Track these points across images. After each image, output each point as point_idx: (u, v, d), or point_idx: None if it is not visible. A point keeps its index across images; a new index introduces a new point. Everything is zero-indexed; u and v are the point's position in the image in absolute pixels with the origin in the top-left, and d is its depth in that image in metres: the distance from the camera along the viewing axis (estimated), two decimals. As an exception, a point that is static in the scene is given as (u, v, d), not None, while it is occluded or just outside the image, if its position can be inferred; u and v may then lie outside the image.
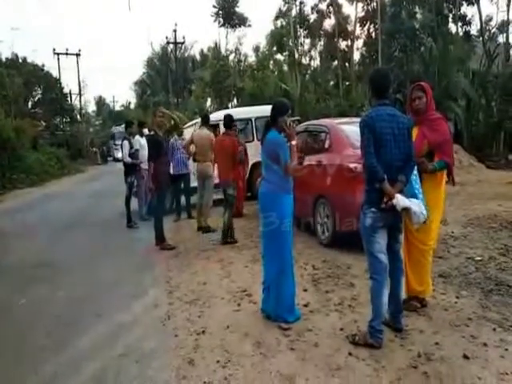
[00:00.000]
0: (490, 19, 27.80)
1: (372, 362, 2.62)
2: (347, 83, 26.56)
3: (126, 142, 7.47)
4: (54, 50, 36.87)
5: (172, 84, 35.01)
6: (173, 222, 7.63)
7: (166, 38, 34.83)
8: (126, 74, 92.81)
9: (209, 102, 33.73)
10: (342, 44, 29.75)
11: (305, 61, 31.58)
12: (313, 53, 33.02)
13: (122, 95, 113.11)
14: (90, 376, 2.81)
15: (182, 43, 36.68)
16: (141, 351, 3.02)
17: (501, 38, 26.52)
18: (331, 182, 5.20)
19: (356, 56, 28.90)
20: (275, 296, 3.32)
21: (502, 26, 26.53)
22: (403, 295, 3.06)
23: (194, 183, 7.50)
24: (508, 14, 24.41)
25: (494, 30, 27.02)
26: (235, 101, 29.20)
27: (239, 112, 10.55)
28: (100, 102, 64.08)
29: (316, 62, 33.05)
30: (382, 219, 2.80)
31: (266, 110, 9.41)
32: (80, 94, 41.17)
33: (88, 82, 73.78)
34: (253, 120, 9.77)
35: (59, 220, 8.73)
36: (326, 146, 5.67)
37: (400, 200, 2.71)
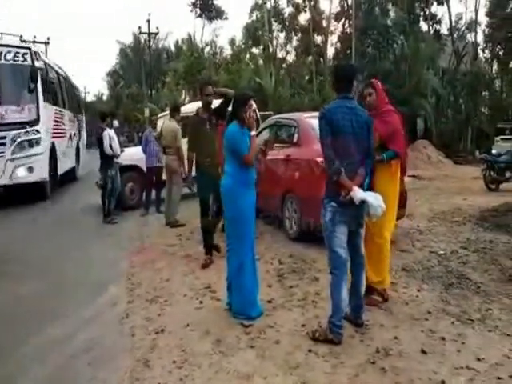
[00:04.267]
0: (460, 18, 28.55)
1: (331, 359, 2.58)
2: (321, 78, 26.71)
3: (106, 133, 7.18)
4: (21, 37, 35.24)
5: (145, 75, 34.21)
6: (140, 217, 7.42)
7: (139, 28, 33.94)
8: (98, 64, 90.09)
9: (183, 95, 33.22)
10: (317, 39, 29.89)
11: (280, 55, 31.57)
12: (288, 47, 33.07)
13: (94, 86, 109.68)
14: (39, 379, 2.66)
15: (156, 34, 35.86)
16: (94, 352, 2.88)
17: (469, 37, 27.28)
18: (299, 177, 5.16)
19: (330, 52, 29.13)
20: (236, 291, 3.25)
21: (471, 25, 27.32)
22: (364, 290, 3.04)
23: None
24: (476, 14, 25.18)
25: (463, 28, 27.77)
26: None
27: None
28: (71, 93, 62.01)
29: (291, 57, 33.11)
30: (342, 213, 2.76)
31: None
32: (48, 84, 39.77)
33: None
34: None
35: (25, 215, 8.34)
36: (295, 140, 5.62)
37: (357, 192, 2.68)
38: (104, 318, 3.45)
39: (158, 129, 7.49)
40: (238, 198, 3.22)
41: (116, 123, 7.76)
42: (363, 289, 2.97)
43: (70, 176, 12.39)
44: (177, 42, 40.87)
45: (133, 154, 8.28)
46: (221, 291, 3.70)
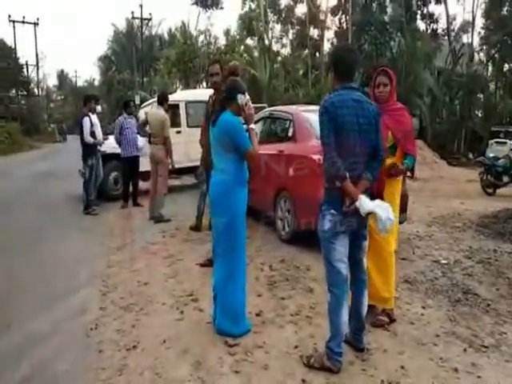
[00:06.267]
0: (454, 19, 28.34)
1: (329, 392, 2.22)
2: (317, 72, 26.29)
3: (86, 119, 6.68)
4: (10, 16, 34.33)
5: (137, 62, 33.34)
6: (120, 209, 6.97)
7: (132, 13, 33.02)
8: (90, 49, 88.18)
9: (177, 83, 32.54)
10: (314, 33, 29.43)
11: (276, 48, 31.04)
12: (284, 40, 32.54)
13: (86, 70, 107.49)
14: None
15: (149, 19, 34.97)
16: (50, 374, 2.46)
17: (465, 39, 27.11)
18: (293, 174, 4.77)
19: (326, 47, 28.67)
20: (222, 305, 2.86)
21: (465, 27, 27.13)
22: (366, 310, 2.67)
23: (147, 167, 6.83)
24: (473, 16, 24.94)
25: (456, 29, 27.57)
26: (204, 83, 28.23)
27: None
28: (62, 76, 60.79)
29: (287, 50, 32.59)
30: (343, 223, 2.35)
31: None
32: (37, 66, 38.59)
33: (48, 54, 69.50)
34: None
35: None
36: (290, 134, 5.22)
37: (364, 203, 2.27)
38: (69, 328, 3.03)
39: (143, 116, 7.02)
40: (234, 199, 2.81)
41: (99, 108, 7.27)
42: (365, 309, 2.59)
43: None
44: (170, 29, 39.97)
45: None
46: (204, 300, 3.32)
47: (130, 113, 7.22)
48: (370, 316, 2.85)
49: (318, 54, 28.58)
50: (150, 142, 6.48)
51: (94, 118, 7.07)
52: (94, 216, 6.60)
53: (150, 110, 6.78)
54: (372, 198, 2.62)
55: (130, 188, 7.28)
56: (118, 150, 7.23)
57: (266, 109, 6.79)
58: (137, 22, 34.29)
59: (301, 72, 28.31)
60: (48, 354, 2.68)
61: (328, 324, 2.44)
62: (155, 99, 8.21)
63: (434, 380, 2.29)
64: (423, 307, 3.23)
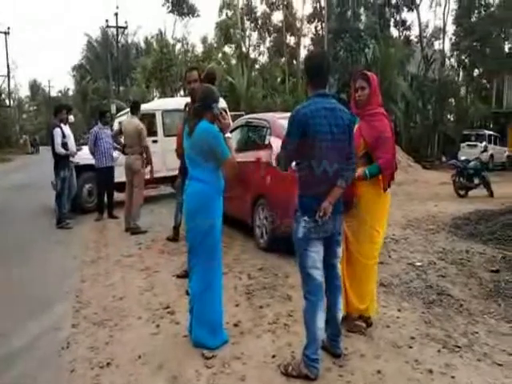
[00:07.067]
0: (427, 26, 29.28)
1: (306, 401, 2.21)
2: (294, 80, 26.61)
3: (58, 130, 6.50)
4: (-22, 25, 33.46)
5: (113, 71, 32.93)
6: (95, 222, 6.83)
7: (107, 21, 32.66)
8: (63, 58, 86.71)
9: (154, 92, 32.30)
10: (290, 40, 29.85)
11: (253, 55, 31.30)
12: (261, 48, 32.86)
13: (60, 80, 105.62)
14: None
15: (125, 28, 34.64)
16: (20, 396, 2.38)
17: (437, 45, 28.00)
18: (270, 181, 4.79)
19: (303, 53, 29.11)
20: (198, 316, 2.81)
21: (436, 33, 28.06)
22: (341, 315, 2.68)
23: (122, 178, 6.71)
24: (444, 23, 25.81)
25: (428, 35, 28.49)
26: (182, 92, 28.13)
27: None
28: (34, 86, 59.51)
29: (264, 58, 32.91)
30: (317, 230, 2.36)
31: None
32: (9, 76, 37.67)
33: (20, 64, 68.13)
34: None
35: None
36: (266, 141, 5.25)
37: None
38: (40, 347, 2.92)
39: (117, 126, 6.92)
40: (212, 208, 2.79)
41: (72, 118, 7.11)
42: (340, 315, 2.60)
43: None
44: (146, 38, 39.74)
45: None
46: (181, 312, 3.27)
47: (105, 123, 7.10)
48: (346, 321, 2.88)
49: (294, 62, 28.96)
50: (123, 153, 6.39)
51: (67, 128, 6.91)
52: (68, 229, 6.43)
53: (125, 119, 6.68)
54: (345, 204, 2.65)
55: (105, 199, 7.14)
56: (92, 161, 7.09)
57: (243, 117, 6.80)
58: (112, 30, 33.93)
59: (278, 79, 28.60)
60: (17, 375, 2.57)
61: (305, 331, 2.44)
62: (128, 110, 8.12)
63: (409, 383, 2.31)
64: (399, 310, 3.27)
